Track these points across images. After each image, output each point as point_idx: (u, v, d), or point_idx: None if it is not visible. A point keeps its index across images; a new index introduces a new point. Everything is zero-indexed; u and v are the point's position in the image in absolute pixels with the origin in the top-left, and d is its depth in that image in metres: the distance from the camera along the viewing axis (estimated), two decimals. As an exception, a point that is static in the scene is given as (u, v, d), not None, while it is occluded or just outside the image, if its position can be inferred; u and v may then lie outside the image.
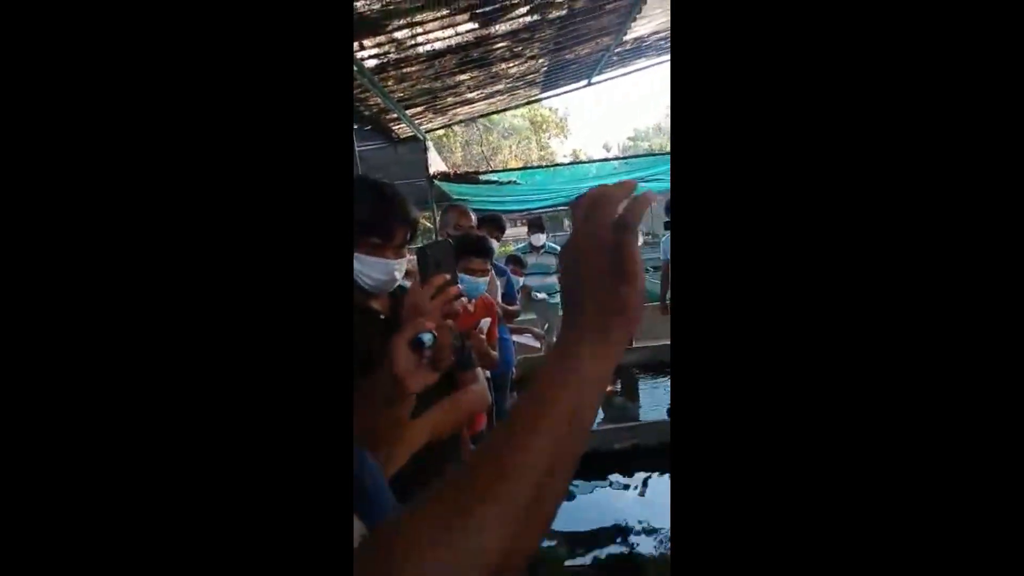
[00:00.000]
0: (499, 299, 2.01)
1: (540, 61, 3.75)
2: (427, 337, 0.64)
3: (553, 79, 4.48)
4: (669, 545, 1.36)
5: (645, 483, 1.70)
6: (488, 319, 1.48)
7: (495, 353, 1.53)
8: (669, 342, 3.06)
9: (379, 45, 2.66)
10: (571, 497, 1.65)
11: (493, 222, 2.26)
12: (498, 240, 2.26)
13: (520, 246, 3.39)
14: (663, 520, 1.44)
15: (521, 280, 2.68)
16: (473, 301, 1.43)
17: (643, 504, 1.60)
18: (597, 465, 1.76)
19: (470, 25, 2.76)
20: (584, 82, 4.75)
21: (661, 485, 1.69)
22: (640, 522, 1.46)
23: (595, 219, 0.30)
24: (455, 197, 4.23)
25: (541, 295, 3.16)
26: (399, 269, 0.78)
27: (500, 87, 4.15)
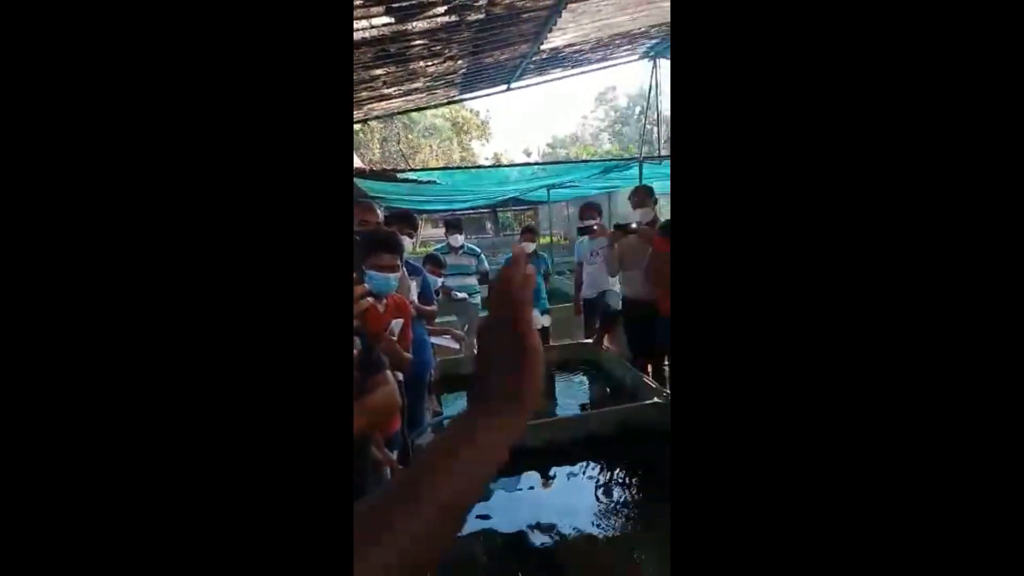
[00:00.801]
0: (415, 298, 1.96)
1: (459, 62, 3.75)
2: None
3: (472, 81, 4.50)
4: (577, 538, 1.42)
5: (552, 477, 1.76)
6: (400, 320, 1.44)
7: (408, 355, 1.49)
8: (582, 340, 3.14)
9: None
10: (488, 497, 1.66)
11: (404, 219, 2.20)
12: (410, 237, 2.21)
13: (439, 246, 3.35)
14: (569, 515, 1.50)
15: (440, 280, 2.65)
16: (384, 300, 1.38)
17: (557, 500, 1.65)
18: (514, 460, 1.79)
19: (386, 19, 2.69)
20: (503, 86, 4.83)
21: (571, 479, 1.76)
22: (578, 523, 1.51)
23: (507, 304, 0.31)
24: (372, 195, 4.07)
25: (461, 295, 3.15)
26: None
27: (418, 85, 4.08)
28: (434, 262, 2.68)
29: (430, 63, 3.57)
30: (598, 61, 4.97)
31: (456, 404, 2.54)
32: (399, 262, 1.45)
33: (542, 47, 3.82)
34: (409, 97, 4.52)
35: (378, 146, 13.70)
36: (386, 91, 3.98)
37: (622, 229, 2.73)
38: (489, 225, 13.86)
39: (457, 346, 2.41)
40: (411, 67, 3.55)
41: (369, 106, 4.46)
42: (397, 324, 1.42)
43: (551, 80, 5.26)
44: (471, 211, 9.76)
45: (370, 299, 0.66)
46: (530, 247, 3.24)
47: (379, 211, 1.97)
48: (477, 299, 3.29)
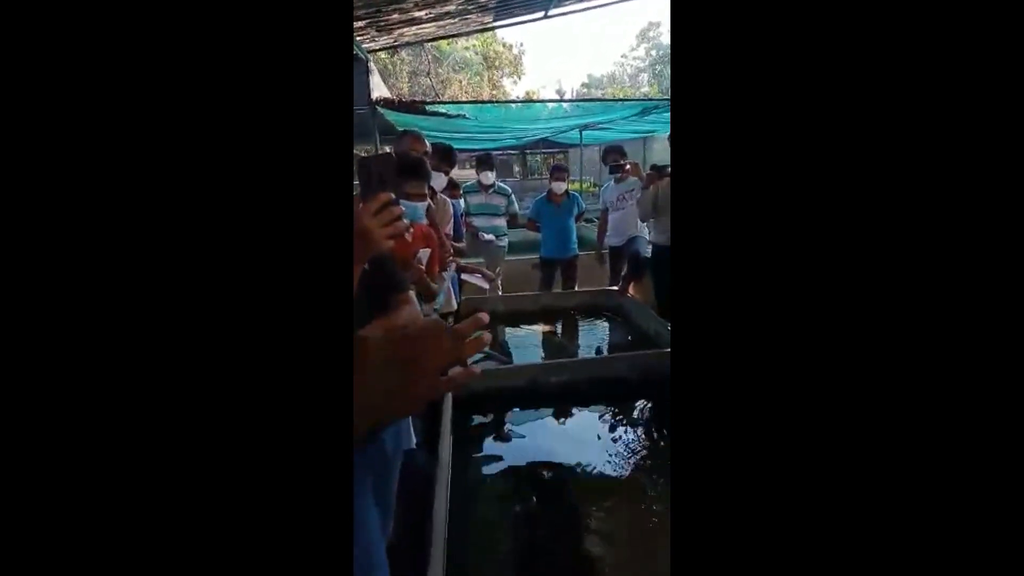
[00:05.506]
0: (451, 232, 1.94)
1: (495, -18, 3.47)
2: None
3: (508, 5, 4.18)
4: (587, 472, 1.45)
5: (569, 415, 1.79)
6: (427, 249, 1.42)
7: (435, 286, 1.49)
8: (605, 287, 3.12)
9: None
10: (507, 437, 1.71)
11: (443, 154, 2.12)
12: (446, 174, 2.15)
13: (468, 184, 3.26)
14: (582, 452, 1.54)
15: (461, 203, 2.61)
16: (410, 229, 1.36)
17: (567, 436, 1.69)
18: (534, 398, 1.82)
19: (418, -73, 2.47)
20: (541, 13, 4.49)
21: (587, 419, 1.79)
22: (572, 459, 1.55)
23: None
24: (399, 128, 3.96)
25: (488, 236, 3.11)
26: None
27: (451, 8, 3.82)
28: (451, 185, 2.62)
29: (464, -18, 3.32)
30: (646, -14, 4.54)
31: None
32: (426, 191, 1.41)
33: (586, -33, 3.49)
34: (441, 23, 4.26)
35: (407, 79, 13.26)
36: (417, 14, 3.75)
37: (658, 171, 2.60)
38: (516, 168, 13.51)
39: (487, 285, 2.41)
40: (444, -14, 3.31)
41: (399, 31, 4.23)
42: (424, 254, 1.41)
43: (592, 7, 4.86)
44: (499, 151, 9.48)
45: (407, 222, 0.64)
46: (561, 187, 3.12)
47: (427, 143, 1.90)
48: (504, 241, 3.23)
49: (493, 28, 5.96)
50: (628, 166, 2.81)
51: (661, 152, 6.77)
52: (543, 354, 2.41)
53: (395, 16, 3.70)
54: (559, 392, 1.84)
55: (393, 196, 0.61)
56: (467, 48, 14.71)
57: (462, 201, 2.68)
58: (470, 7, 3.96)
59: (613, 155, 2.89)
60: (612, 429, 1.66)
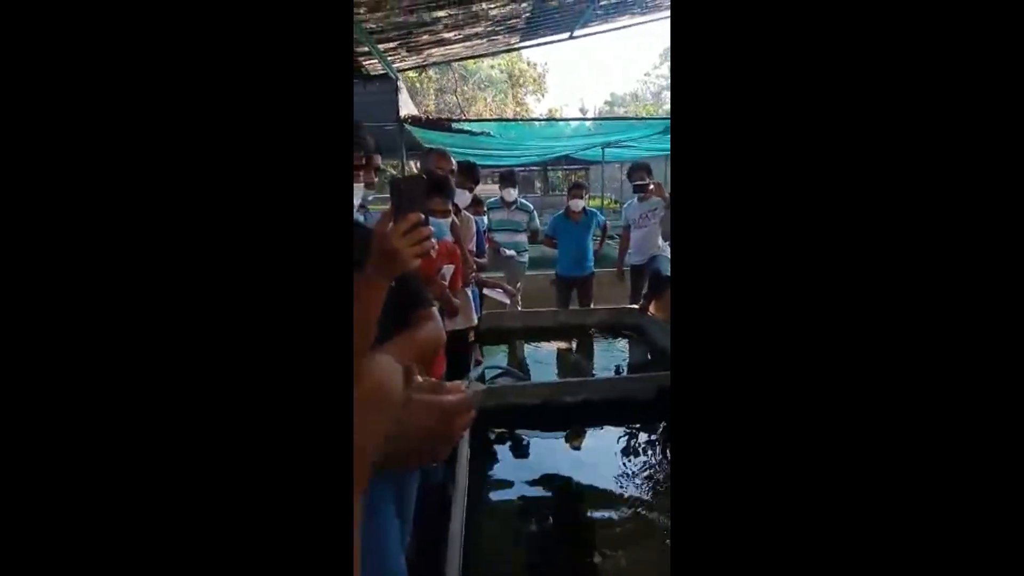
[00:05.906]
0: (473, 248, 1.98)
1: (523, 4, 3.56)
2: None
3: (534, 27, 4.28)
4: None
5: (580, 436, 1.77)
6: (451, 266, 1.45)
7: (457, 302, 1.51)
8: (626, 305, 3.08)
9: (349, -35, 2.43)
10: (520, 447, 1.70)
11: (467, 171, 2.17)
12: (470, 191, 2.19)
13: (491, 200, 3.30)
14: (599, 472, 1.52)
15: (484, 219, 2.64)
16: (435, 246, 1.39)
17: (579, 457, 1.67)
18: (551, 416, 1.81)
19: (450, -46, 2.57)
20: (566, 34, 4.58)
21: (603, 438, 1.77)
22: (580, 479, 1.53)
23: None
24: (425, 145, 4.06)
25: (509, 252, 3.13)
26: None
27: (479, 30, 3.93)
28: (475, 202, 2.65)
29: (493, 5, 3.42)
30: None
31: (499, 357, 2.59)
32: (450, 207, 1.45)
33: (612, -10, 3.56)
34: (469, 43, 4.38)
35: (433, 96, 13.57)
36: (446, 35, 3.87)
37: (682, 192, 2.59)
38: (538, 184, 13.60)
39: (508, 301, 2.42)
40: (473, 9, 3.41)
41: (428, 51, 4.36)
42: (448, 270, 1.43)
43: (617, 28, 4.93)
44: (522, 168, 9.59)
45: (434, 241, 0.65)
46: (579, 204, 3.14)
47: (452, 160, 1.95)
48: (525, 257, 3.25)
49: (520, 48, 6.07)
50: (652, 186, 2.81)
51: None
52: (561, 371, 2.40)
53: (425, 37, 3.83)
54: (576, 410, 1.83)
55: (423, 216, 0.63)
56: (493, 67, 15.01)
57: (485, 218, 2.72)
58: (498, 29, 4.06)
59: (639, 173, 2.90)
60: (629, 449, 1.64)
